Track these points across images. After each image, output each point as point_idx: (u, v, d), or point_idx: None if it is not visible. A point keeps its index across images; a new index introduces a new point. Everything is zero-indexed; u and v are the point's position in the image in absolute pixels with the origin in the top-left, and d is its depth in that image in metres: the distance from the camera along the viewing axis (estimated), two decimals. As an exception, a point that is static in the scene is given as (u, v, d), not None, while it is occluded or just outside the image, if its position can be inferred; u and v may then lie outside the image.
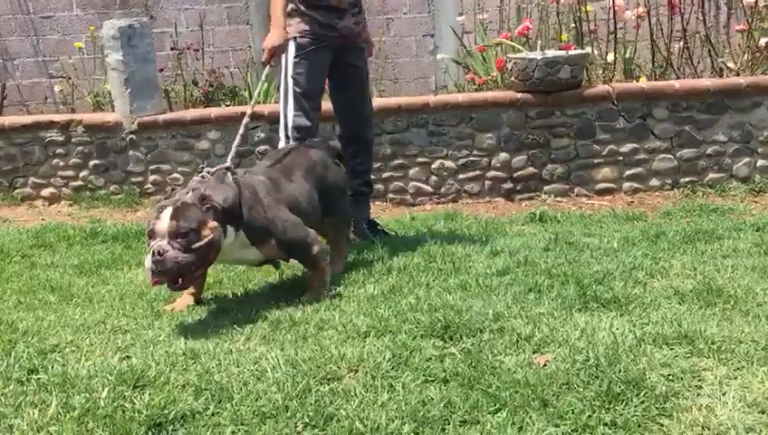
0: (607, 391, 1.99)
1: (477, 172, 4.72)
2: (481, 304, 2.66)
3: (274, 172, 3.00)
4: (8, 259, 3.51)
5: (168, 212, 2.55)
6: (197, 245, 2.55)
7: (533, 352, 2.29)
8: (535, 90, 4.54)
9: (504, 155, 4.67)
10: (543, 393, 2.02)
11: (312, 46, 3.32)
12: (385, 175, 4.77)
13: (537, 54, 4.57)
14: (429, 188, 4.78)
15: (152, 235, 2.56)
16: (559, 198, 4.61)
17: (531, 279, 2.91)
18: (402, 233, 3.85)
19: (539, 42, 5.02)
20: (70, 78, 6.13)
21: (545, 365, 2.20)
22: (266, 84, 5.89)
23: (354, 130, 3.64)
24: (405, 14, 7.53)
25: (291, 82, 3.33)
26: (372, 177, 3.90)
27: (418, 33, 7.57)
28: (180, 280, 2.58)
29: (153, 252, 2.51)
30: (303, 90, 3.34)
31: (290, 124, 3.35)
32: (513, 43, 5.02)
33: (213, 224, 2.59)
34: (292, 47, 3.32)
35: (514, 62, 4.61)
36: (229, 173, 2.81)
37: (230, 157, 2.97)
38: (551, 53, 4.63)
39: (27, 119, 5.28)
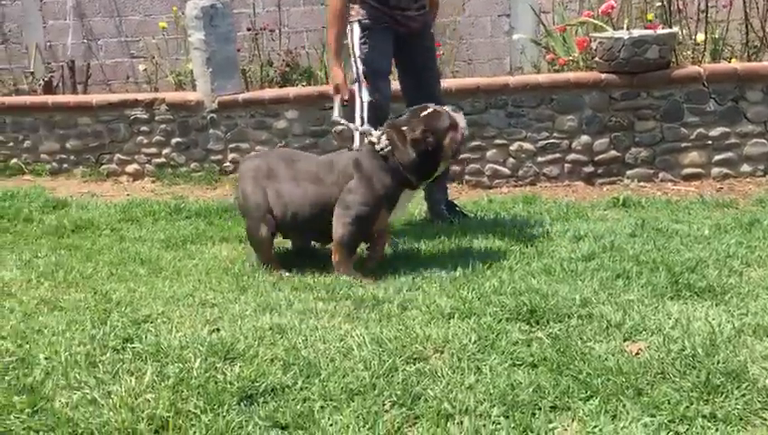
0: (705, 383, 1.92)
1: (557, 155, 4.61)
2: (567, 289, 2.61)
3: None
4: (99, 232, 3.65)
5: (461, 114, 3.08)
6: None
7: (624, 340, 2.23)
8: (621, 70, 4.38)
9: (585, 138, 4.54)
10: (637, 382, 1.97)
11: (375, 26, 3.34)
12: (461, 157, 4.71)
13: (623, 34, 4.40)
14: (507, 171, 4.70)
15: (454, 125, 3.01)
16: (642, 183, 4.46)
17: (618, 265, 2.82)
18: (481, 215, 3.81)
19: (624, 21, 4.85)
20: (153, 57, 6.28)
21: (638, 353, 2.13)
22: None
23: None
24: (480, -8, 7.40)
25: (359, 62, 3.36)
26: None
27: (494, 14, 7.42)
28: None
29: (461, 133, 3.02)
30: (372, 68, 3.35)
31: (364, 104, 3.34)
32: (598, 22, 4.86)
33: None
34: (357, 29, 3.35)
35: (599, 42, 4.46)
36: None
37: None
38: (637, 32, 4.46)
39: (114, 97, 5.45)
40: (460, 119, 3.03)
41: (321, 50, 6.39)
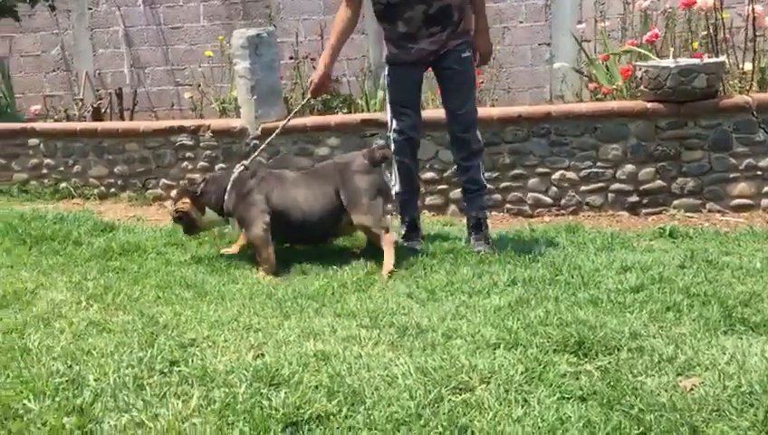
0: (763, 421, 1.86)
1: (600, 184, 4.56)
2: (615, 321, 2.56)
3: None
4: (145, 256, 3.70)
5: None
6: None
7: (677, 375, 2.17)
8: (667, 99, 4.33)
9: (630, 167, 4.49)
10: (692, 419, 1.91)
11: (393, 64, 3.76)
12: (503, 185, 4.69)
13: (670, 62, 4.36)
14: (549, 200, 4.66)
15: None
16: (689, 214, 4.37)
17: (668, 298, 2.76)
18: (523, 244, 3.76)
19: (670, 49, 4.80)
20: (199, 85, 6.42)
21: (692, 390, 2.08)
22: (383, 93, 5.98)
23: (453, 130, 3.79)
24: (521, 22, 7.42)
25: (387, 93, 3.86)
26: (489, 185, 3.96)
27: (534, 42, 7.43)
28: None
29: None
30: (393, 99, 3.79)
31: (392, 128, 3.79)
32: (643, 51, 4.82)
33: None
34: (386, 66, 3.82)
35: (645, 70, 4.42)
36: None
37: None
38: (684, 60, 4.41)
39: (161, 124, 5.57)
40: None
41: (363, 78, 6.47)
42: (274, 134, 4.11)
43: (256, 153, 4.06)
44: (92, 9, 7.92)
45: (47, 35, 8.00)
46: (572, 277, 3.10)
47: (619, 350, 2.34)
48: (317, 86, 3.77)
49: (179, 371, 2.30)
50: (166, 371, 2.31)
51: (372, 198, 3.53)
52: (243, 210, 3.58)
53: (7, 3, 6.42)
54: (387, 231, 3.52)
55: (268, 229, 3.51)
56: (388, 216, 3.67)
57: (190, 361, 2.37)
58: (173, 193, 4.41)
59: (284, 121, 4.19)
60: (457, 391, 2.12)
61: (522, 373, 2.18)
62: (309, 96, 3.93)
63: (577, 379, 2.17)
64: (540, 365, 2.23)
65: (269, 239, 3.51)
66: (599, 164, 4.55)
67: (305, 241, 3.81)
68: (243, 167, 3.76)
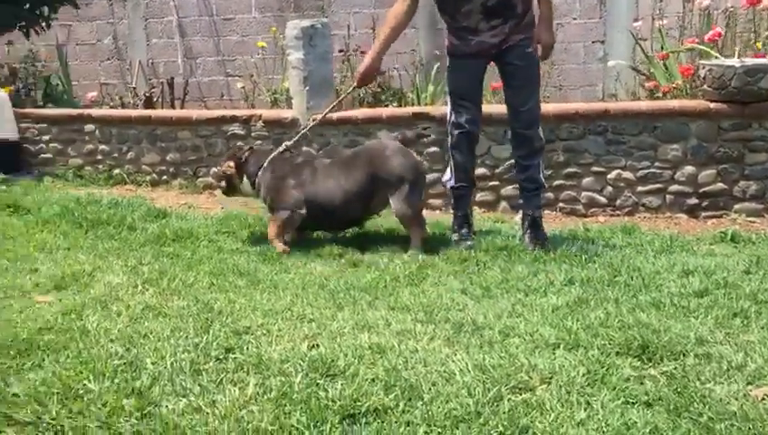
0: (843, 436, 1.76)
1: (658, 185, 4.43)
2: (680, 325, 2.47)
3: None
4: (198, 243, 3.73)
5: None
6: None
7: (747, 384, 2.09)
8: (731, 100, 4.19)
9: (689, 168, 4.35)
10: (765, 430, 1.83)
11: (453, 56, 3.73)
12: (556, 183, 4.60)
13: (735, 62, 4.21)
14: (603, 200, 4.56)
15: None
16: (751, 218, 4.22)
17: (734, 303, 2.66)
18: (579, 244, 3.68)
19: (735, 49, 4.65)
20: (252, 75, 6.46)
21: (763, 399, 1.99)
22: (433, 87, 5.93)
23: (514, 127, 3.73)
24: (574, 19, 7.28)
25: (447, 84, 3.84)
26: (545, 183, 3.85)
27: (587, 40, 7.29)
28: None
29: None
30: (452, 91, 3.76)
31: (451, 120, 3.75)
32: (706, 48, 4.67)
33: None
34: (448, 57, 3.78)
35: (709, 70, 4.28)
36: None
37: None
38: (750, 60, 4.26)
39: (213, 113, 5.62)
40: None
41: (414, 72, 6.42)
42: (317, 120, 4.21)
43: (296, 136, 4.12)
44: (148, -1, 8.04)
45: (102, 24, 8.15)
46: (632, 279, 3.01)
47: (684, 355, 2.26)
48: (363, 75, 3.77)
49: (235, 357, 2.29)
50: (221, 357, 2.31)
51: (407, 184, 3.58)
52: (273, 190, 3.75)
53: (66, -10, 6.54)
54: (418, 217, 3.67)
55: (292, 215, 3.67)
56: (419, 201, 3.75)
57: (245, 348, 2.36)
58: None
59: (329, 109, 4.23)
60: (517, 390, 2.07)
61: (583, 375, 2.12)
62: (354, 84, 3.93)
63: (642, 383, 2.10)
64: (602, 368, 2.17)
65: (290, 224, 3.69)
66: (657, 164, 4.42)
67: (335, 227, 3.89)
68: (285, 148, 3.92)
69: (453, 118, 3.72)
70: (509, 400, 2.01)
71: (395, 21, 3.69)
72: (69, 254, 3.48)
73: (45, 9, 6.57)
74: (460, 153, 3.76)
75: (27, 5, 6.39)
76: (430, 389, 2.08)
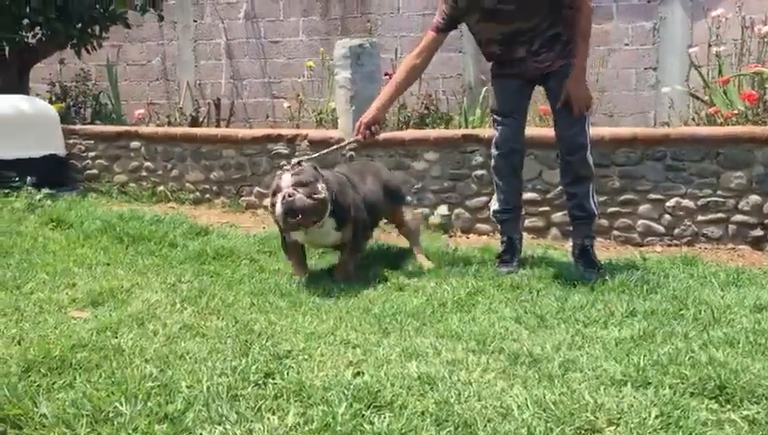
0: None
1: (720, 215, 4.19)
2: (759, 365, 2.25)
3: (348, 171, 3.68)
4: (238, 262, 3.63)
5: (288, 174, 3.18)
6: (316, 195, 3.13)
7: (842, 433, 1.86)
8: (802, 125, 3.95)
9: (755, 197, 4.10)
10: None
11: (493, 76, 3.70)
12: (610, 210, 4.39)
13: (806, 85, 3.98)
14: (661, 228, 4.33)
15: (278, 190, 3.14)
16: (823, 252, 3.96)
17: (817, 342, 2.43)
18: (637, 273, 3.46)
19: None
20: (298, 95, 6.42)
21: None
22: (480, 111, 5.79)
23: (559, 151, 3.60)
24: (626, 45, 7.11)
25: (490, 104, 3.80)
26: (597, 211, 3.60)
27: (639, 66, 7.10)
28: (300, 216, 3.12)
29: (284, 196, 3.08)
30: (492, 108, 3.72)
31: (494, 137, 3.68)
32: (774, 73, 4.45)
33: (323, 185, 3.19)
34: (491, 76, 3.73)
35: (777, 94, 4.06)
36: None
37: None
38: (822, 84, 4.02)
39: (258, 131, 5.56)
40: (285, 183, 3.16)
41: (462, 95, 6.31)
42: (326, 151, 3.92)
43: (302, 158, 3.62)
44: (197, 21, 8.13)
45: (152, 45, 8.26)
46: (700, 313, 2.79)
47: (767, 398, 2.04)
48: (367, 125, 3.49)
49: (275, 383, 2.15)
50: (260, 382, 2.16)
51: (407, 193, 3.65)
52: (360, 222, 3.51)
53: (117, 11, 6.63)
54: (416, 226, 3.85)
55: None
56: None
57: (286, 373, 2.22)
58: (265, 201, 4.32)
59: (324, 151, 3.90)
60: (582, 431, 1.88)
61: (656, 417, 1.92)
62: (354, 135, 3.59)
63: (721, 428, 1.89)
64: (676, 409, 1.96)
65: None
66: (719, 193, 4.19)
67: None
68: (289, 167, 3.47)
69: (495, 135, 3.65)
70: (573, 441, 1.83)
71: (405, 74, 3.59)
72: (108, 269, 3.40)
73: (97, 29, 6.67)
74: (500, 175, 3.65)
75: (79, 25, 6.48)
76: (486, 425, 1.90)
